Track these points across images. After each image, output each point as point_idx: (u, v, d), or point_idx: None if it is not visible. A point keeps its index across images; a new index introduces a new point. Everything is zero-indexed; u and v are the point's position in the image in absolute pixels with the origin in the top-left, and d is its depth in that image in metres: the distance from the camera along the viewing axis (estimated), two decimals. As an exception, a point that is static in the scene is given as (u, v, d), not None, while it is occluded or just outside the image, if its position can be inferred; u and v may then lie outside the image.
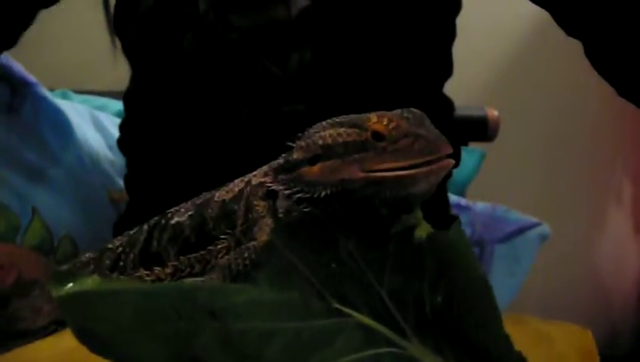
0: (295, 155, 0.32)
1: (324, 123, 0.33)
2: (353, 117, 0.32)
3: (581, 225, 1.46)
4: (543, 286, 1.36)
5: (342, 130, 0.31)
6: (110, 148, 0.81)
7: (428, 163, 0.29)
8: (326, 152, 0.31)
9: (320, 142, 0.31)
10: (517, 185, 1.40)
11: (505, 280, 0.86)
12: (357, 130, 0.31)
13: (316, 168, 0.31)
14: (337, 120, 0.32)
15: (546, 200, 1.38)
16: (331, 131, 0.31)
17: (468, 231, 0.88)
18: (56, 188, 0.74)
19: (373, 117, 0.31)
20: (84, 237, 0.73)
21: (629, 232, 1.49)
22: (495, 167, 1.11)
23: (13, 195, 0.70)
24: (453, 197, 0.91)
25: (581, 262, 1.49)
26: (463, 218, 0.88)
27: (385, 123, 0.30)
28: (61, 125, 0.76)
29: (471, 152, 0.99)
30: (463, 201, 0.92)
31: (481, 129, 0.96)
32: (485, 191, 1.05)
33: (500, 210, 0.92)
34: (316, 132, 0.32)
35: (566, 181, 1.45)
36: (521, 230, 0.89)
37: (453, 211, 0.76)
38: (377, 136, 0.30)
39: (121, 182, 0.78)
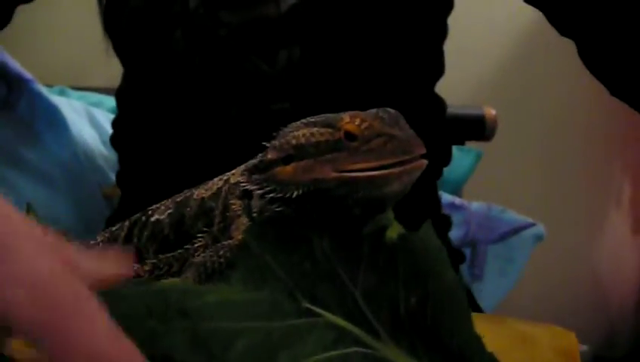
0: (269, 155, 0.33)
1: (298, 123, 0.33)
2: (328, 116, 0.32)
3: (579, 226, 1.45)
4: (542, 287, 1.36)
5: (315, 129, 0.31)
6: (105, 144, 0.81)
7: (401, 163, 0.29)
8: (299, 152, 0.31)
9: (293, 141, 0.31)
10: (515, 185, 1.40)
11: (498, 280, 0.86)
12: (330, 130, 0.31)
13: (289, 168, 0.31)
14: (311, 119, 0.32)
15: (544, 201, 1.37)
16: (304, 131, 0.31)
17: (462, 230, 0.88)
18: (51, 183, 0.74)
19: (345, 117, 0.31)
20: (78, 233, 0.74)
21: (628, 233, 1.48)
22: (493, 166, 1.11)
23: (8, 191, 0.71)
24: (448, 197, 0.91)
25: (580, 262, 1.48)
26: (458, 217, 0.87)
27: (357, 123, 0.30)
28: (56, 121, 0.77)
29: (467, 152, 0.99)
30: (457, 201, 0.92)
31: (478, 128, 0.96)
32: (483, 191, 1.05)
33: (495, 210, 0.92)
34: (290, 132, 0.32)
35: (564, 181, 1.45)
36: (516, 230, 0.89)
37: (448, 210, 0.76)
38: (350, 136, 0.30)
39: (114, 178, 0.78)
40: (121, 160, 0.69)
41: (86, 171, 0.78)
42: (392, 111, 0.32)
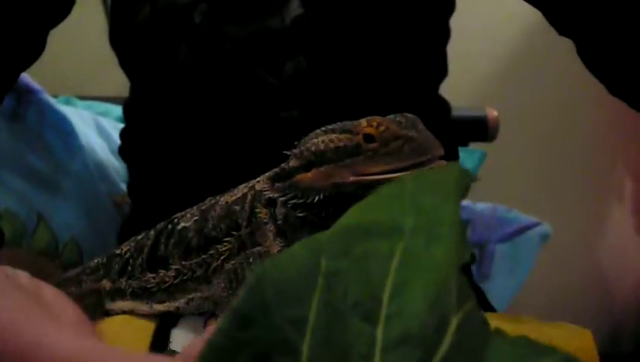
0: (291, 163, 0.33)
1: (317, 130, 0.33)
2: (346, 123, 0.33)
3: (582, 224, 1.46)
4: (545, 286, 1.36)
5: (334, 136, 0.32)
6: (113, 152, 0.81)
7: (420, 165, 0.30)
8: (319, 158, 0.32)
9: (313, 148, 0.32)
10: (518, 185, 1.40)
11: (506, 280, 0.86)
12: (348, 136, 0.32)
13: (310, 174, 0.32)
14: (330, 127, 0.33)
15: (547, 200, 1.38)
16: (324, 138, 0.32)
17: (468, 231, 0.89)
18: (61, 193, 0.75)
19: (363, 122, 0.32)
20: (88, 241, 0.74)
21: (631, 231, 1.49)
22: (496, 167, 1.12)
23: (19, 201, 0.71)
24: (454, 198, 0.91)
25: (583, 260, 1.49)
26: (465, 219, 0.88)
27: (375, 126, 0.31)
28: (65, 131, 0.77)
29: (471, 153, 1.00)
30: (463, 202, 0.93)
31: (481, 129, 0.97)
32: (486, 192, 1.05)
33: (501, 210, 0.92)
34: (310, 139, 0.33)
35: (567, 180, 1.46)
36: (522, 230, 0.90)
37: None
38: (368, 138, 0.31)
39: (124, 187, 0.78)
40: (131, 171, 0.70)
41: (96, 180, 0.78)
42: (410, 115, 0.33)
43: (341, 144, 0.31)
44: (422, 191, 0.20)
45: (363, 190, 0.31)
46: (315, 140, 0.32)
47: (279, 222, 0.33)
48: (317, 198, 0.31)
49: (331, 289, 0.17)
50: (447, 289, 0.18)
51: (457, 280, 0.18)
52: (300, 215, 0.32)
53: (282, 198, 0.33)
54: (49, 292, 0.27)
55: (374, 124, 0.31)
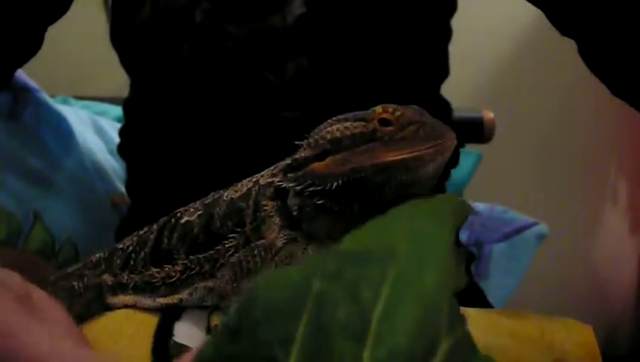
0: (303, 153, 0.33)
1: (330, 120, 0.33)
2: (357, 113, 0.33)
3: (577, 225, 1.47)
4: (541, 286, 1.37)
5: (348, 123, 0.32)
6: (111, 152, 0.81)
7: (435, 148, 0.30)
8: (335, 146, 0.32)
9: (328, 136, 0.32)
10: (514, 186, 1.41)
11: (503, 279, 0.87)
12: (363, 123, 0.32)
13: (325, 162, 0.32)
14: (342, 116, 0.33)
15: (543, 201, 1.38)
16: (339, 126, 0.32)
17: (466, 231, 0.89)
18: (58, 192, 0.74)
19: (377, 108, 0.32)
20: (85, 241, 0.74)
21: (626, 232, 1.50)
22: (492, 168, 1.12)
23: (15, 200, 0.71)
24: (452, 199, 0.91)
25: (578, 262, 1.49)
26: (462, 219, 0.88)
27: (390, 111, 0.31)
28: (62, 130, 0.77)
29: (468, 154, 1.00)
30: (460, 202, 0.93)
31: (477, 131, 0.97)
32: (483, 192, 1.05)
33: (498, 211, 0.93)
34: (324, 128, 0.33)
35: (562, 181, 1.46)
36: (519, 230, 0.90)
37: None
38: (384, 122, 0.31)
39: (121, 186, 0.78)
40: (129, 169, 0.69)
41: (93, 179, 0.78)
42: (416, 107, 0.33)
43: (357, 131, 0.31)
44: (418, 217, 0.20)
45: (381, 175, 0.30)
46: (330, 128, 0.32)
47: (294, 213, 0.33)
48: (335, 184, 0.31)
49: (320, 309, 0.17)
50: (438, 313, 0.18)
51: (450, 305, 0.18)
52: (319, 202, 0.32)
53: (298, 187, 0.32)
54: (38, 294, 0.28)
55: (390, 109, 0.31)
